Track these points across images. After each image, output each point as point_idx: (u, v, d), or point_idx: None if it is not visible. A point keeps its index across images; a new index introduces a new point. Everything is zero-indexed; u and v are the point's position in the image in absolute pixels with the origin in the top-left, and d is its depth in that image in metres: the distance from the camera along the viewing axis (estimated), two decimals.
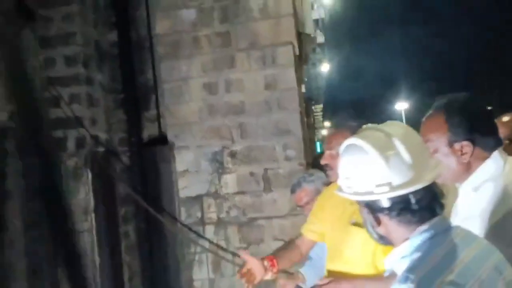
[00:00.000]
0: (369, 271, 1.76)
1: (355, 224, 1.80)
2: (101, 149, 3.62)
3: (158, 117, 3.64)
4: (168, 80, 3.39)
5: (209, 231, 3.28)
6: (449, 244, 1.10)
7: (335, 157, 1.84)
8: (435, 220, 1.11)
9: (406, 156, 1.10)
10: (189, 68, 3.35)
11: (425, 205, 1.10)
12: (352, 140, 1.17)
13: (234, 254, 3.23)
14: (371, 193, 1.13)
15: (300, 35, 3.60)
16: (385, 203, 1.12)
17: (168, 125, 3.39)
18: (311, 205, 2.41)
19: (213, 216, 3.28)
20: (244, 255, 1.90)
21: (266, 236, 3.24)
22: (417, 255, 1.09)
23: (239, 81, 3.28)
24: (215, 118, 3.31)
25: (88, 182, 3.52)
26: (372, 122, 1.62)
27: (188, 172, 3.32)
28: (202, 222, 3.29)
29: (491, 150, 1.40)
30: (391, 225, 1.14)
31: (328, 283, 1.76)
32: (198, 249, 3.28)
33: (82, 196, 3.50)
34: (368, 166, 1.12)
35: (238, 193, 3.28)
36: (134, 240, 3.71)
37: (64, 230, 3.52)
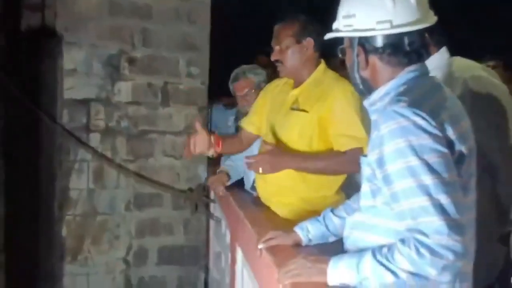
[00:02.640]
0: (306, 152, 1.90)
1: (296, 109, 1.93)
2: None
3: (43, 6, 3.18)
4: None
5: (94, 139, 3.04)
6: (432, 81, 1.25)
7: (285, 51, 1.89)
8: (420, 63, 1.24)
9: None
10: None
11: (415, 48, 1.22)
12: None
13: (120, 166, 3.07)
14: (373, 29, 1.20)
15: None
16: (381, 42, 1.21)
17: (58, 15, 2.97)
18: (248, 99, 2.47)
19: (101, 123, 3.04)
20: (197, 123, 1.98)
21: (157, 150, 3.13)
22: (404, 87, 1.21)
23: None
24: (117, 18, 3.02)
25: None
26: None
27: (77, 72, 2.99)
28: (87, 128, 3.02)
29: None
30: (379, 66, 1.24)
31: (271, 149, 1.84)
32: (79, 156, 3.02)
33: None
34: (375, 2, 1.19)
35: (132, 103, 3.08)
36: None
37: None
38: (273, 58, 1.97)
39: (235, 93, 2.64)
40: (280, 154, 1.86)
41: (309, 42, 1.92)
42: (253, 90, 2.54)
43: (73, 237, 3.05)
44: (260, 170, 1.84)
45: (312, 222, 1.53)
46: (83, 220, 3.05)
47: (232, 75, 2.63)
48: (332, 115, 1.85)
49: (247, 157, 1.91)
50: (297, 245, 1.52)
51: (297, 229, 1.54)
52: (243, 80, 2.58)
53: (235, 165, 2.51)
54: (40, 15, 3.18)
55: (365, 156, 1.25)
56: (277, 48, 1.95)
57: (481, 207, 1.42)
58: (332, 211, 1.53)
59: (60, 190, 3.01)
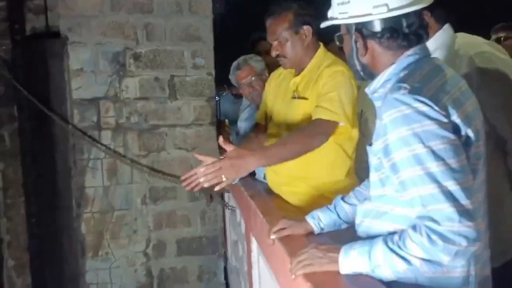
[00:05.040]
0: None
1: (297, 97, 1.92)
2: None
3: (46, 9, 3.20)
4: None
5: (106, 136, 3.07)
6: (433, 64, 1.22)
7: (284, 44, 1.86)
8: (420, 45, 1.21)
9: None
10: None
11: (414, 30, 1.19)
12: None
13: (133, 161, 3.10)
14: (369, 14, 1.18)
15: None
16: (378, 27, 1.18)
17: (61, 16, 2.98)
18: (254, 85, 2.49)
19: (111, 121, 3.07)
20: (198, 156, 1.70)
21: (168, 144, 3.15)
22: (404, 73, 1.18)
23: None
24: (118, 14, 3.02)
25: None
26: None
27: (84, 72, 3.01)
28: (98, 127, 3.05)
29: None
30: (378, 51, 1.22)
31: (230, 152, 1.64)
32: (92, 155, 3.05)
33: None
34: None
35: (140, 98, 3.10)
36: (10, 145, 3.31)
37: None
38: (273, 54, 1.93)
39: (239, 82, 2.65)
40: (241, 155, 1.63)
41: (307, 29, 1.88)
42: (257, 76, 2.56)
43: (92, 233, 3.11)
44: (224, 178, 1.61)
45: (323, 211, 1.53)
46: (101, 217, 3.10)
47: (234, 64, 2.64)
48: (318, 94, 1.84)
49: (205, 166, 1.61)
50: (310, 233, 1.52)
51: (308, 218, 1.53)
52: (245, 67, 2.60)
53: None
54: (43, 17, 3.21)
55: (370, 145, 1.24)
56: (275, 43, 1.91)
57: (495, 182, 1.40)
58: (343, 198, 1.52)
59: (77, 189, 3.06)
